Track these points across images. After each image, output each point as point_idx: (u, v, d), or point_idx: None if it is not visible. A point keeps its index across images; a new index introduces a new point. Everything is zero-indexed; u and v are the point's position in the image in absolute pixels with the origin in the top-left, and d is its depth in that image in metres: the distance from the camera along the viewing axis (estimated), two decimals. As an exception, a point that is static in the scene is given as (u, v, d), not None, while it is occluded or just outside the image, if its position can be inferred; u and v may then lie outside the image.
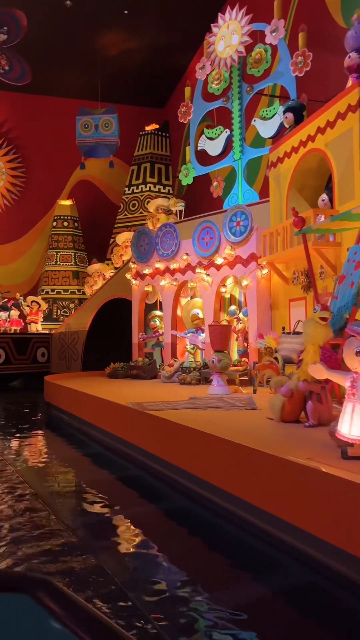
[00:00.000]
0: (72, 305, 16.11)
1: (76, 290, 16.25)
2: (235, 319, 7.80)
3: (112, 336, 11.03)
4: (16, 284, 16.37)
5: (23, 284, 16.81)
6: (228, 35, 8.94)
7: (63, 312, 16.02)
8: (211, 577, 2.46)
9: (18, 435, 6.34)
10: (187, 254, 8.11)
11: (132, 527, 3.19)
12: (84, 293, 16.32)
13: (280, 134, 8.20)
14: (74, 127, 16.83)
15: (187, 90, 10.08)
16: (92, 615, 0.68)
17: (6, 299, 13.51)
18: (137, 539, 2.98)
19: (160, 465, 4.23)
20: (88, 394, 6.30)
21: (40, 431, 6.82)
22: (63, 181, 17.71)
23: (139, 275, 9.07)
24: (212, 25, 9.32)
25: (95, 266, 12.60)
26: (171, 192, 14.95)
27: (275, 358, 5.53)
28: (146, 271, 8.86)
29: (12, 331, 12.77)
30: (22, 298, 13.55)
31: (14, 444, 5.87)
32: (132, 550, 2.79)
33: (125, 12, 13.70)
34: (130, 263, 9.20)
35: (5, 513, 3.21)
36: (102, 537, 3.00)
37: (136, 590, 2.21)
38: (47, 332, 13.41)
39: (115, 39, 14.80)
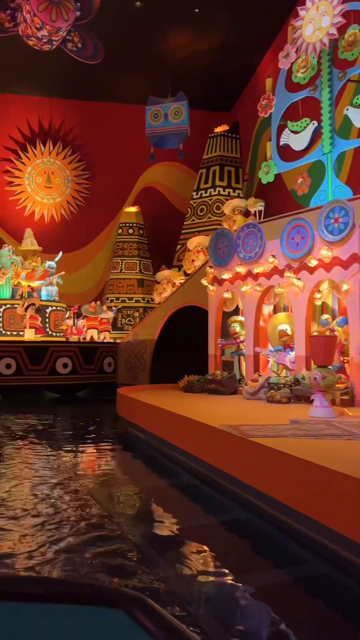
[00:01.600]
0: (136, 314, 15.56)
1: (141, 299, 15.71)
2: (329, 330, 6.83)
3: (183, 346, 10.28)
4: (81, 292, 16.03)
5: (87, 292, 16.46)
6: (317, 17, 8.06)
7: (127, 320, 15.50)
8: None
9: (94, 456, 5.66)
10: (273, 256, 7.24)
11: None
12: (148, 301, 15.74)
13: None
14: (139, 134, 16.39)
15: (269, 81, 9.26)
16: (185, 636, 0.71)
17: (68, 307, 13.09)
18: None
19: (278, 510, 3.36)
20: (170, 412, 5.53)
21: (116, 451, 6.11)
22: (128, 188, 17.31)
23: (217, 281, 8.29)
24: (298, 8, 8.47)
25: (165, 273, 11.95)
26: (241, 195, 14.13)
27: None
28: (225, 276, 8.06)
29: (78, 340, 12.31)
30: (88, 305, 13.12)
31: (90, 466, 5.18)
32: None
33: (196, 10, 13.11)
34: (207, 268, 8.44)
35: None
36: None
37: None
38: (112, 341, 12.87)
39: (184, 39, 14.25)
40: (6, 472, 4.70)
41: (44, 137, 16.77)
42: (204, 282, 8.56)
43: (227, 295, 8.17)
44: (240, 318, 8.14)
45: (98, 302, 13.79)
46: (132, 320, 15.49)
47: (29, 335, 11.45)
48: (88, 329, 12.75)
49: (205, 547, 2.95)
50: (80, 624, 0.73)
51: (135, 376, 11.60)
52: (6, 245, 12.94)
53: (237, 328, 8.07)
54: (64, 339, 12.25)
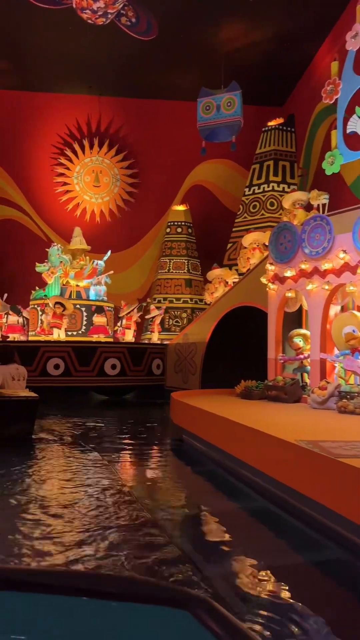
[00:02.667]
0: (184, 315, 15.04)
1: (189, 299, 15.17)
2: None
3: (236, 349, 9.66)
4: (128, 293, 15.65)
5: (134, 292, 16.08)
6: (392, -10, 7.30)
7: (175, 321, 15.00)
8: None
9: (150, 469, 5.14)
10: (344, 251, 6.52)
11: None
12: (196, 302, 15.20)
13: None
14: (188, 131, 15.88)
15: (334, 65, 8.51)
16: (250, 638, 0.70)
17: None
18: None
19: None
20: (235, 422, 4.93)
21: (173, 463, 5.57)
22: (176, 186, 16.83)
23: (278, 279, 7.62)
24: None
25: (216, 272, 11.36)
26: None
27: None
28: (288, 273, 7.39)
29: (124, 341, 11.91)
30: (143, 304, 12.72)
31: (144, 479, 4.66)
32: None
33: (251, -2, 12.47)
34: (267, 265, 7.79)
35: None
36: None
37: None
38: (160, 342, 12.40)
39: (236, 31, 13.62)
40: (54, 477, 4.24)
41: (92, 135, 16.53)
42: (264, 280, 7.91)
43: (289, 294, 7.49)
44: (304, 331, 7.43)
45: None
46: (180, 322, 14.98)
47: (57, 335, 11.20)
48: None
49: (310, 612, 2.33)
50: (143, 622, 0.73)
51: (184, 379, 11.06)
52: (55, 244, 12.69)
53: (301, 343, 7.35)
54: (111, 340, 11.87)
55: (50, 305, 11.26)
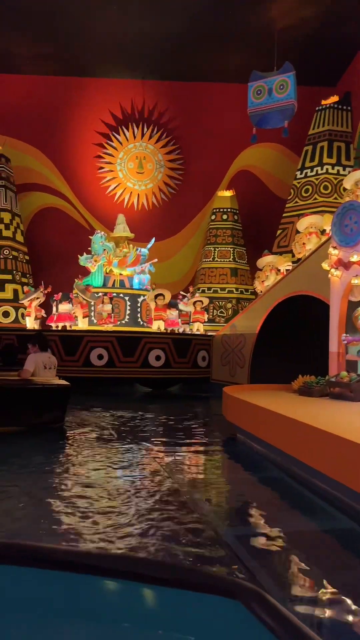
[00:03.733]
0: (228, 305, 14.37)
1: (234, 289, 14.48)
2: None
3: (290, 341, 8.94)
4: (171, 283, 15.08)
5: (177, 282, 15.50)
6: None
7: (219, 312, 14.35)
8: None
9: (203, 469, 4.55)
10: None
11: None
12: (242, 292, 14.49)
13: None
14: (235, 114, 15.11)
15: None
16: (303, 632, 0.72)
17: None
18: None
19: None
20: (304, 424, 4.28)
21: (230, 467, 4.97)
22: (222, 172, 16.10)
23: (342, 264, 6.85)
24: None
25: (268, 258, 10.61)
26: (352, 174, 12.38)
27: None
28: (354, 258, 6.62)
29: (171, 331, 11.34)
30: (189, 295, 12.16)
31: (200, 481, 4.06)
32: None
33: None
34: (330, 249, 7.02)
35: None
36: None
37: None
38: (206, 333, 11.78)
39: (287, 6, 12.70)
40: (100, 474, 3.73)
41: (136, 120, 15.97)
42: (326, 266, 7.15)
43: (355, 281, 6.71)
44: (372, 309, 6.67)
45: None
46: (224, 312, 14.32)
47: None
48: (155, 320, 11.64)
49: None
50: (195, 609, 0.76)
51: (232, 373, 10.42)
52: (98, 231, 12.23)
53: (368, 321, 6.60)
54: (155, 330, 11.33)
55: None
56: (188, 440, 5.77)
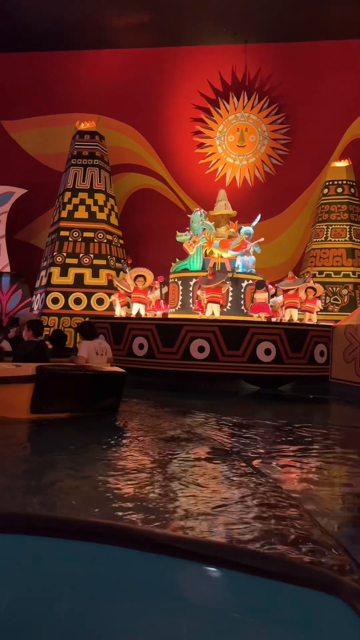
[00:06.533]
0: (344, 292, 12.23)
1: (350, 273, 12.31)
2: None
3: None
4: (274, 267, 13.23)
5: (282, 266, 13.57)
6: None
7: (333, 299, 12.27)
8: None
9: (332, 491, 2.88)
10: None
11: None
12: (360, 276, 12.28)
13: None
14: (349, 74, 12.82)
15: None
16: None
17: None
18: None
19: None
20: None
21: None
22: (334, 141, 13.84)
23: None
24: None
25: None
26: None
27: None
28: None
29: (281, 320, 9.56)
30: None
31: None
32: None
33: None
34: None
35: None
36: None
37: None
38: (325, 324, 9.84)
39: None
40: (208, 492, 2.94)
41: (237, 90, 14.20)
42: None
43: None
44: None
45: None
46: (339, 299, 12.22)
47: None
48: (287, 307, 9.87)
49: None
50: (296, 603, 0.73)
51: (358, 371, 8.43)
52: (198, 208, 10.71)
53: None
54: (262, 319, 9.61)
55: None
56: (311, 458, 4.05)
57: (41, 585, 0.81)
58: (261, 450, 4.39)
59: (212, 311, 9.23)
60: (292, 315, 9.63)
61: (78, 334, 6.09)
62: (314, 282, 10.29)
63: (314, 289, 10.18)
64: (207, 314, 9.25)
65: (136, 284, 9.85)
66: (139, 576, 0.79)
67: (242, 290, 10.15)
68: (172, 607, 0.77)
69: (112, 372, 5.54)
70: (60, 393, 5.14)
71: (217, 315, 9.19)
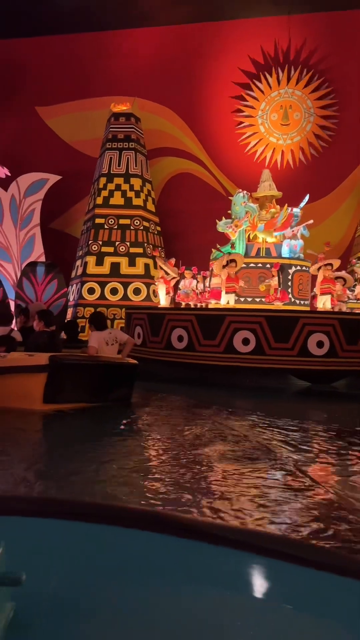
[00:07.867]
0: None
1: None
2: None
3: None
4: (320, 253, 12.19)
5: (330, 250, 12.50)
6: None
7: (387, 287, 11.12)
8: None
9: None
10: None
11: None
12: None
13: None
14: None
15: None
16: None
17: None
18: None
19: None
20: None
21: None
22: (387, 116, 12.65)
23: None
24: None
25: None
26: None
27: None
28: None
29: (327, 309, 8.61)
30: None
31: None
32: None
33: None
34: None
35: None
36: None
37: None
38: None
39: None
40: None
41: (280, 64, 13.16)
42: None
43: None
44: None
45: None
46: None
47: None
48: (322, 294, 8.87)
49: None
50: (338, 592, 0.76)
51: None
52: (241, 190, 9.85)
53: None
54: (309, 308, 8.72)
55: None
56: None
57: (98, 570, 0.89)
58: (310, 455, 3.67)
59: (228, 301, 8.47)
60: (324, 303, 8.65)
61: (87, 324, 5.97)
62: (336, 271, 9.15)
63: (344, 279, 9.21)
64: (222, 303, 8.51)
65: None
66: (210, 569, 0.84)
67: (290, 277, 9.27)
68: (224, 594, 0.80)
69: (125, 363, 5.50)
70: (73, 383, 5.06)
71: (232, 304, 8.45)
